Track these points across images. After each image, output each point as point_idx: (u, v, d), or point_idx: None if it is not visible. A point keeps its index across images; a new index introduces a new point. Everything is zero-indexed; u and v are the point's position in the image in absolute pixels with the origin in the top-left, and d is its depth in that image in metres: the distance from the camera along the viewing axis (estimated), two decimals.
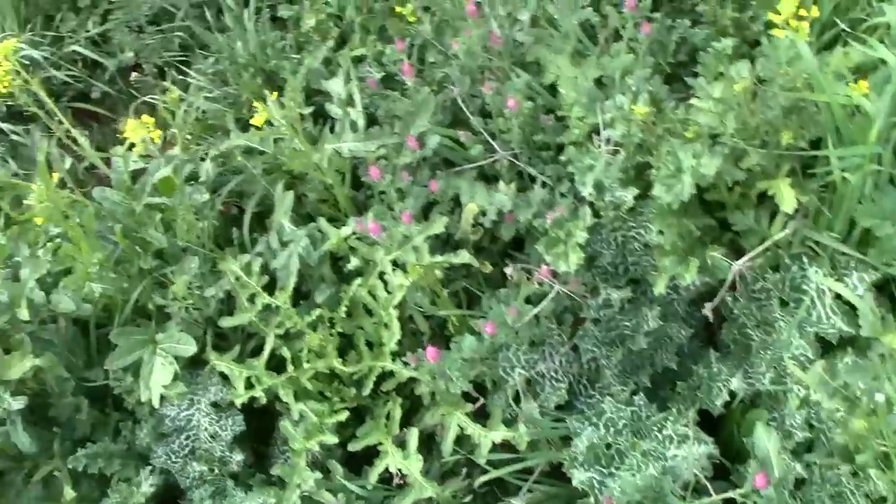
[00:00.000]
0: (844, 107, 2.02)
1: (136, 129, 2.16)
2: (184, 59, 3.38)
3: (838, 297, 2.07)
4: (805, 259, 2.13)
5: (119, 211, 2.47)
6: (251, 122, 2.32)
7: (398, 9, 2.55)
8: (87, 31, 3.41)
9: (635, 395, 2.13)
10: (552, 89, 2.57)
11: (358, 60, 2.89)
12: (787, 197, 2.01)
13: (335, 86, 2.54)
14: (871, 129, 1.94)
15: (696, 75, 2.56)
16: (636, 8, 2.33)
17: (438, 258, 2.24)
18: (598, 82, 2.53)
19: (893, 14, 2.13)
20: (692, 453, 2.01)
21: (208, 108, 2.90)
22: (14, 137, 3.20)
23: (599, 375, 2.28)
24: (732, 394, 2.18)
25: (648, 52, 2.37)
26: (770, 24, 1.97)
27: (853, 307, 2.02)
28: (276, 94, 2.33)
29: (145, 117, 2.16)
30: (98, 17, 3.47)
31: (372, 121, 2.63)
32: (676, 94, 2.42)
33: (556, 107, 2.50)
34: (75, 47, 3.37)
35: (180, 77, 3.29)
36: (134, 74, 3.17)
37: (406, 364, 2.28)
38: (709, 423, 2.23)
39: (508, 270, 2.18)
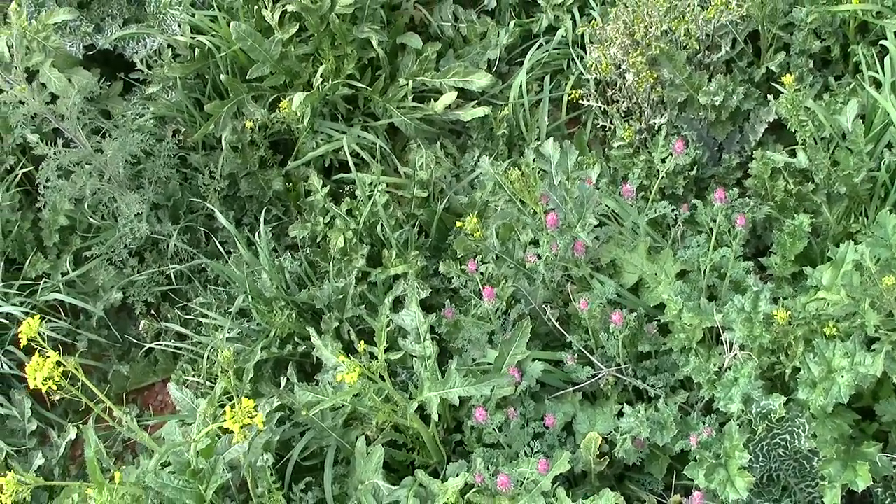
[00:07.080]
0: None
1: (239, 417, 1.83)
2: (174, 290, 3.07)
3: None
4: None
5: (183, 499, 2.13)
6: (338, 377, 2.04)
7: (459, 223, 2.36)
8: (64, 274, 3.01)
9: None
10: (634, 291, 2.43)
11: (394, 278, 2.68)
12: None
13: (409, 319, 2.29)
14: None
15: (766, 254, 2.49)
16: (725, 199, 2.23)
17: None
18: (679, 276, 2.41)
19: None
20: None
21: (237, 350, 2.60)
22: None
23: None
24: None
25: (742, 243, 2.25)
26: None
27: None
28: (363, 343, 2.07)
29: (245, 401, 1.84)
30: (70, 255, 3.09)
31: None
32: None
33: (648, 311, 2.35)
34: (54, 294, 2.97)
35: (178, 314, 2.98)
36: (143, 323, 2.81)
37: None
38: None
39: None
